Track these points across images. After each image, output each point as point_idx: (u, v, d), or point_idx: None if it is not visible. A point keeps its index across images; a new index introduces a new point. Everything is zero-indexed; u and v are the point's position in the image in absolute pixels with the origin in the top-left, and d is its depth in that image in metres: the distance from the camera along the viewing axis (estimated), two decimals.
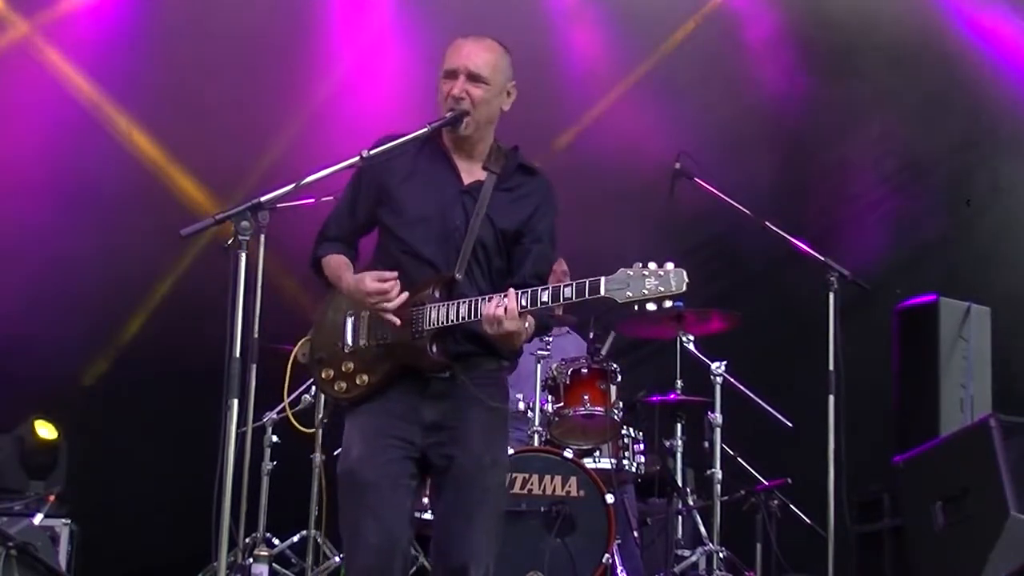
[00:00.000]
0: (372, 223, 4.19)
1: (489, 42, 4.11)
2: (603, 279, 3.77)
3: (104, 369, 7.98)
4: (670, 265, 3.75)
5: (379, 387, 4.02)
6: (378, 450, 3.96)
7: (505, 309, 3.79)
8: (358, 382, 4.04)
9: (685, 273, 3.73)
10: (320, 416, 6.58)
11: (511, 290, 3.83)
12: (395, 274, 3.95)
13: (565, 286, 3.81)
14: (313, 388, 6.50)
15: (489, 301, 3.83)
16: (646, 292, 3.73)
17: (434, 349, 3.96)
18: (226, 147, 7.73)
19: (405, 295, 3.94)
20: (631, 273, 3.75)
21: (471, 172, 4.11)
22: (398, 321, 3.93)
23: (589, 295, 3.77)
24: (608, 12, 8.45)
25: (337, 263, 4.15)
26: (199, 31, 7.69)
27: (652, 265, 3.75)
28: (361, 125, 7.32)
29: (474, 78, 4.03)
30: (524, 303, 3.83)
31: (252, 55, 7.66)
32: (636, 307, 3.75)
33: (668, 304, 3.74)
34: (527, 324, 3.90)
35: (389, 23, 8.22)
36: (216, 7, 7.70)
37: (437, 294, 3.97)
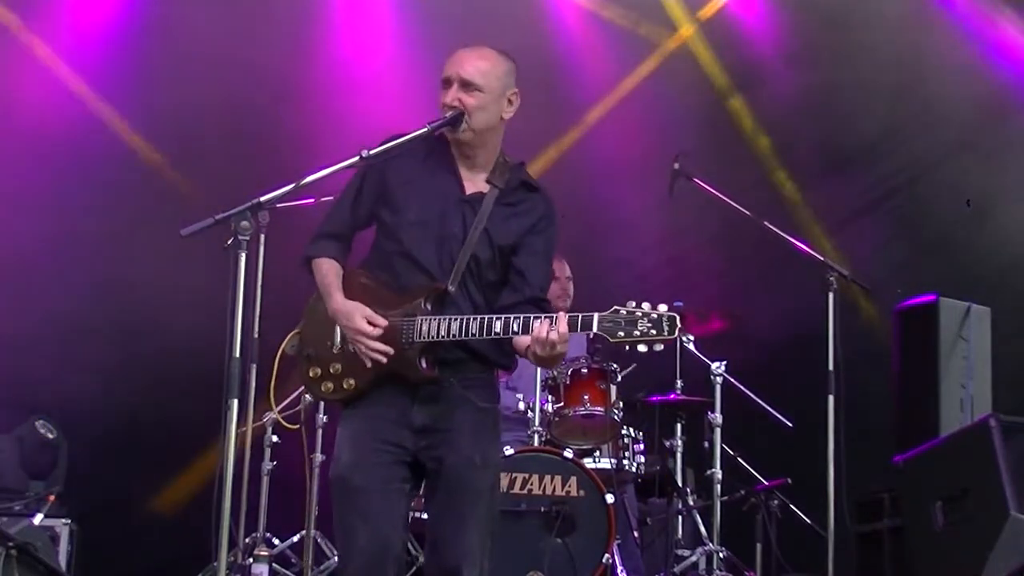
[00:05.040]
0: (370, 221, 4.18)
1: (484, 50, 4.10)
2: (596, 316, 3.79)
3: (104, 369, 7.98)
4: (663, 307, 3.78)
5: (365, 392, 4.02)
6: (368, 455, 3.97)
7: (558, 333, 3.79)
8: (345, 385, 4.04)
9: (678, 318, 3.76)
10: (322, 420, 6.58)
11: (561, 314, 3.83)
12: (386, 323, 3.94)
13: (565, 317, 3.81)
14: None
15: (540, 322, 3.80)
16: (637, 334, 3.76)
17: (423, 363, 3.96)
18: (226, 147, 7.73)
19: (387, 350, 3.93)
20: (624, 313, 3.77)
21: (474, 182, 4.11)
22: (383, 359, 3.92)
23: (581, 330, 3.80)
24: (608, 13, 8.45)
25: (328, 271, 4.12)
26: (198, 30, 7.68)
27: (646, 306, 3.77)
28: (361, 125, 7.32)
29: (466, 85, 4.02)
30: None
31: (252, 54, 7.65)
32: (627, 347, 3.78)
33: (659, 348, 3.77)
34: None
35: (389, 23, 8.22)
36: (216, 6, 7.70)
37: (429, 306, 3.97)
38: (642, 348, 3.76)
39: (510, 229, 4.07)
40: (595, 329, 3.77)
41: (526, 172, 4.19)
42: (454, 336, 3.89)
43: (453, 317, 3.91)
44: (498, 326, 3.87)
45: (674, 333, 3.74)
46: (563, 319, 3.80)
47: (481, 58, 4.07)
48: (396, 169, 4.09)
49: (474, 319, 3.89)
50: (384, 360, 3.93)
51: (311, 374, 4.12)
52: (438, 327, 3.91)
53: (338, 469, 4.02)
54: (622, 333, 3.75)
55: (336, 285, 4.09)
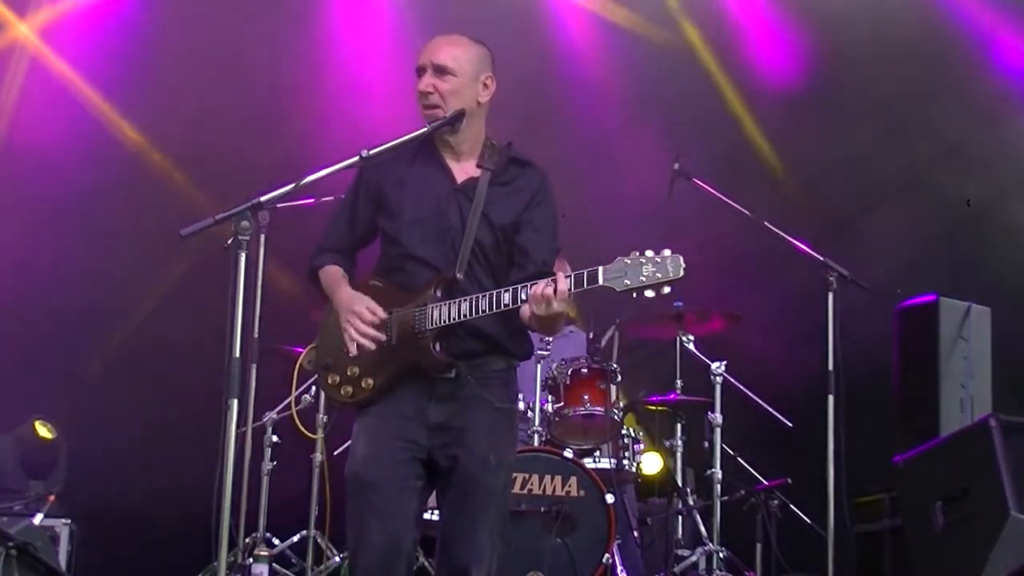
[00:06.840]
0: (372, 234, 4.22)
1: (455, 36, 4.15)
2: (600, 269, 3.77)
3: (104, 369, 7.98)
4: (667, 252, 3.75)
5: (384, 389, 4.03)
6: (384, 452, 3.98)
7: (555, 290, 3.77)
8: (363, 385, 4.05)
9: (681, 259, 3.73)
10: (322, 420, 6.58)
11: (560, 273, 3.82)
12: (385, 316, 3.97)
13: (564, 277, 3.81)
14: (313, 388, 6.50)
15: (533, 286, 3.81)
16: (644, 279, 3.73)
17: (438, 348, 3.97)
18: (226, 147, 7.73)
19: (376, 337, 3.97)
20: (628, 261, 3.75)
21: (464, 170, 4.13)
22: (354, 350, 3.97)
23: (588, 285, 3.78)
24: (607, 14, 8.45)
25: (333, 274, 4.18)
26: (199, 31, 7.68)
27: (649, 252, 3.75)
28: (361, 125, 7.32)
29: (440, 71, 4.06)
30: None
31: (252, 54, 7.65)
32: (635, 295, 3.75)
33: (667, 290, 3.74)
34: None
35: (389, 23, 8.22)
36: (216, 7, 7.70)
37: (439, 293, 3.99)
38: (649, 294, 3.73)
39: (508, 208, 4.08)
40: (600, 281, 3.75)
41: (515, 149, 4.20)
42: (465, 316, 3.90)
43: (463, 298, 3.93)
44: (507, 298, 3.87)
45: (679, 274, 3.71)
46: (562, 278, 3.79)
47: (452, 44, 4.11)
48: (387, 176, 4.12)
49: (483, 296, 3.90)
50: (373, 346, 3.95)
51: (330, 381, 4.15)
52: (449, 310, 3.93)
53: (353, 465, 4.02)
54: (628, 281, 3.72)
55: (344, 282, 4.14)
